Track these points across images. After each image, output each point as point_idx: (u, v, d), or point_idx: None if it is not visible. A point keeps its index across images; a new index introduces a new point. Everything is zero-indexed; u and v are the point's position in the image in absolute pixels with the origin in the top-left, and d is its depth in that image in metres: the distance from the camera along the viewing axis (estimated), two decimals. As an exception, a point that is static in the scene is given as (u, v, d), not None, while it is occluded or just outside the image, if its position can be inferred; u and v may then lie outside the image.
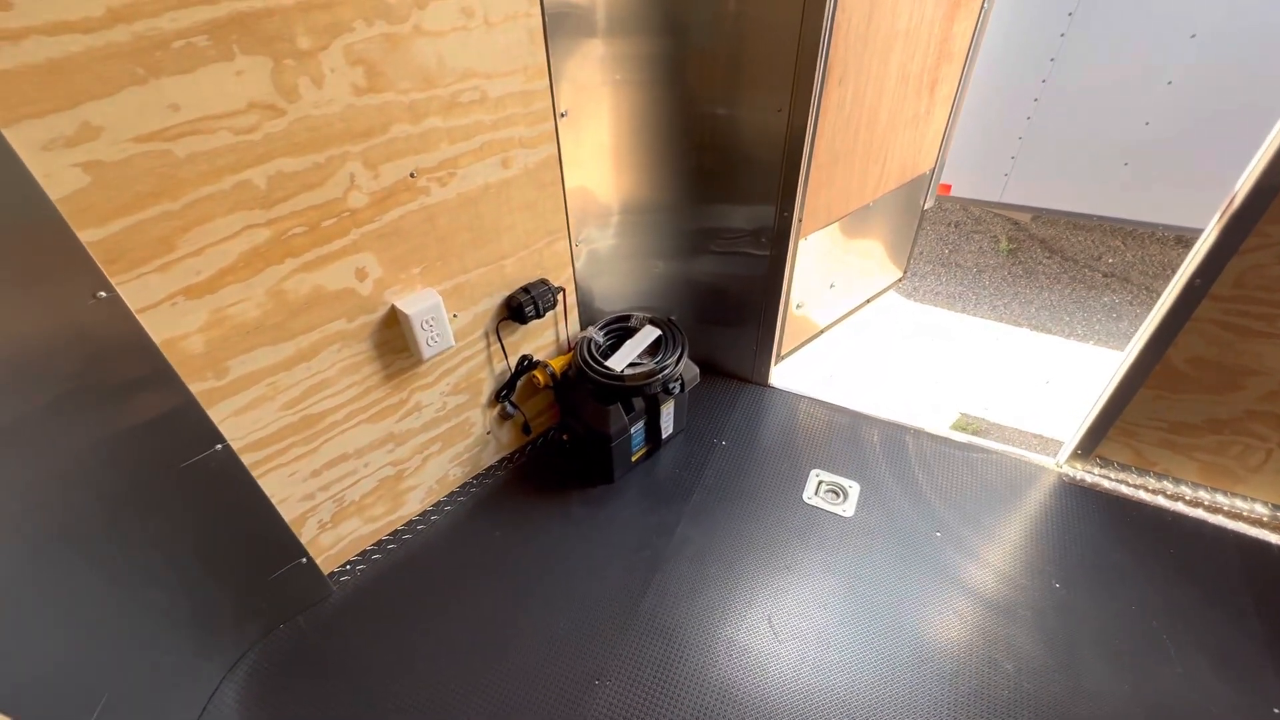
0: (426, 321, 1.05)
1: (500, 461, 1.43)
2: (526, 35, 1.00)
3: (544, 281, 1.24)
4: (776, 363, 1.65)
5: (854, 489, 1.35)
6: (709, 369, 1.66)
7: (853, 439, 1.48)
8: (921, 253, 2.87)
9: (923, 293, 2.62)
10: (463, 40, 0.92)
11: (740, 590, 1.17)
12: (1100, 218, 2.60)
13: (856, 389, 1.85)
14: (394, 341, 1.06)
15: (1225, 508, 1.27)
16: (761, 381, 1.64)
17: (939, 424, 1.53)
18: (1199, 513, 1.27)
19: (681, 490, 1.36)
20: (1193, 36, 2.10)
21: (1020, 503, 1.33)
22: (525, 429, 1.44)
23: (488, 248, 1.12)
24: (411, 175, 0.95)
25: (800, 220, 1.36)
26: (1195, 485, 1.29)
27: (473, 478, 1.38)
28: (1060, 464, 1.39)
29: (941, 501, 1.33)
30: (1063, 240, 2.96)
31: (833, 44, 1.14)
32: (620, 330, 1.37)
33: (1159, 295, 1.13)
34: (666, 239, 1.44)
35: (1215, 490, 1.28)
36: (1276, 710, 0.98)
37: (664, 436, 1.44)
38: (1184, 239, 2.85)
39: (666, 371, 1.26)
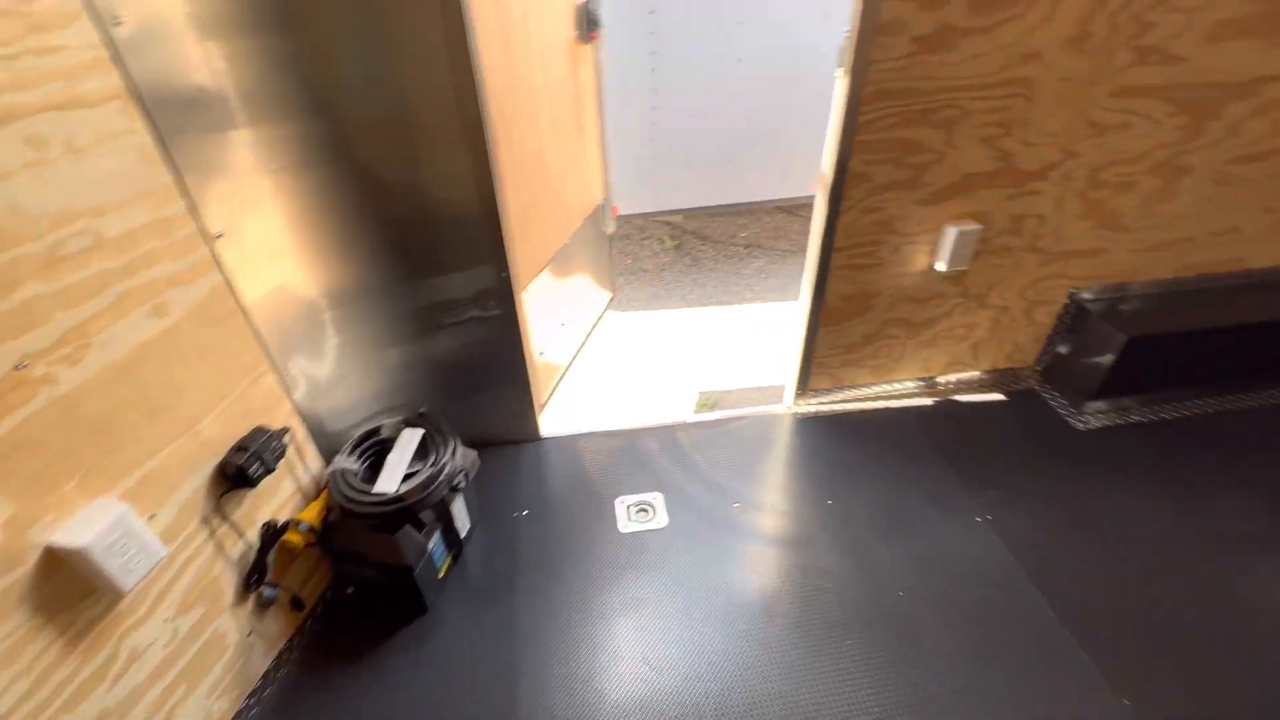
0: (112, 544, 0.77)
1: (277, 660, 1.13)
2: (137, 155, 0.80)
3: (261, 429, 1.02)
4: (541, 414, 1.64)
5: (658, 499, 1.43)
6: (480, 445, 1.57)
7: (637, 456, 1.56)
8: (617, 270, 3.17)
9: (630, 303, 2.90)
10: (42, 177, 0.69)
11: (606, 645, 1.14)
12: (723, 205, 3.23)
13: (618, 409, 1.95)
14: (69, 589, 0.76)
15: (894, 392, 1.69)
16: (534, 437, 1.62)
17: (689, 412, 1.71)
18: (881, 403, 1.67)
19: (504, 581, 1.27)
20: (739, 60, 2.74)
21: (775, 449, 1.57)
22: (296, 605, 1.17)
23: (169, 417, 0.87)
24: (18, 366, 0.69)
25: (516, 274, 1.38)
26: (872, 384, 1.69)
27: (248, 697, 1.07)
28: (790, 406, 1.69)
29: (725, 475, 1.49)
30: (706, 228, 3.57)
31: (489, 104, 1.18)
32: (375, 447, 1.21)
33: (786, 252, 1.44)
34: (391, 325, 1.32)
35: (883, 383, 1.69)
36: (979, 519, 1.34)
37: (463, 536, 1.32)
38: (783, 207, 3.70)
39: (447, 470, 1.16)
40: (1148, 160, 1.34)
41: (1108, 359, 1.52)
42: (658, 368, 2.25)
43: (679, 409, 1.72)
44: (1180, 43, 1.19)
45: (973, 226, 1.37)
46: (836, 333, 1.55)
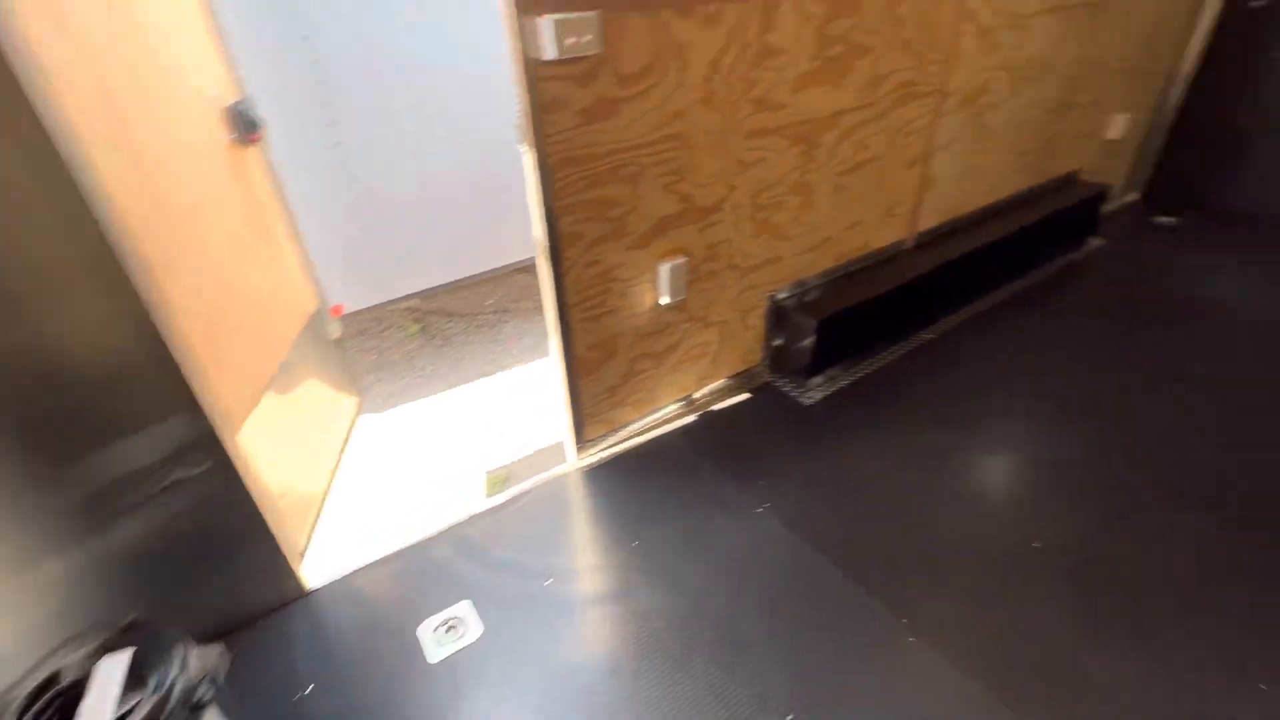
0: None
1: None
2: None
3: None
4: (302, 563, 1.40)
5: (465, 609, 1.31)
6: (230, 630, 1.28)
7: (431, 569, 1.42)
8: (360, 370, 2.89)
9: (385, 401, 2.66)
10: None
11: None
12: (462, 279, 3.19)
13: (399, 523, 1.76)
14: None
15: (661, 419, 1.81)
16: (298, 594, 1.37)
17: (480, 498, 1.62)
18: (653, 432, 1.78)
19: (301, 785, 1.03)
20: (444, 133, 2.74)
21: (571, 510, 1.56)
22: None
23: None
24: None
25: (222, 415, 1.16)
26: (640, 419, 1.79)
27: None
28: (574, 463, 1.70)
29: (529, 555, 1.43)
30: (451, 303, 3.48)
31: (125, 233, 0.98)
32: (57, 701, 0.89)
33: (537, 310, 1.47)
34: (46, 529, 1.00)
35: (650, 414, 1.80)
36: (759, 510, 1.49)
37: (229, 754, 1.04)
38: (525, 268, 3.77)
39: (179, 688, 0.90)
40: (785, 183, 1.66)
41: (809, 342, 1.83)
42: (433, 462, 2.09)
43: (468, 500, 1.62)
44: (778, 93, 1.50)
45: (680, 260, 1.54)
46: (595, 381, 1.60)
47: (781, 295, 1.88)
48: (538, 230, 1.32)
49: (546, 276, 1.37)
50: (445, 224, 2.98)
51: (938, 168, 2.06)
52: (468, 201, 2.99)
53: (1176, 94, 2.94)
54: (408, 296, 3.12)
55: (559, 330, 1.45)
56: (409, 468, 2.04)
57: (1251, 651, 1.15)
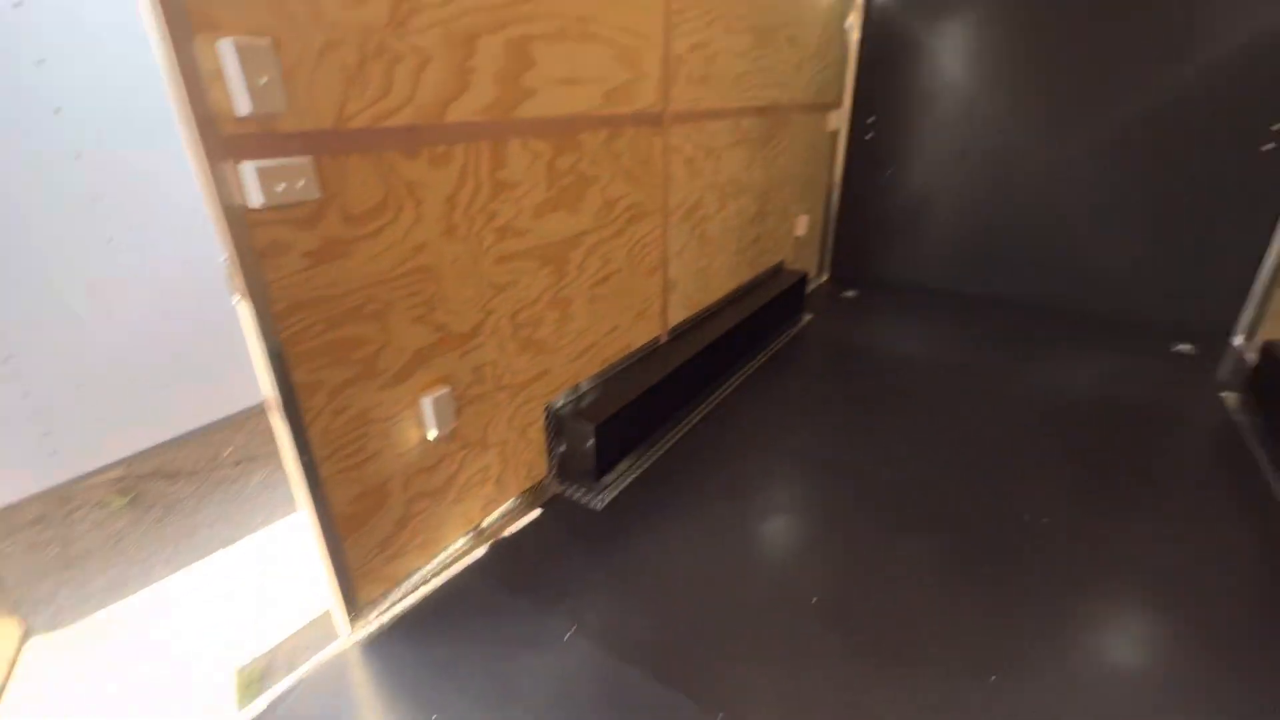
0: None
1: None
2: None
3: None
4: None
5: None
6: None
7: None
8: (38, 575, 2.18)
9: (77, 610, 2.04)
10: None
11: None
12: (186, 433, 2.66)
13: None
14: None
15: (451, 556, 1.66)
16: None
17: (230, 713, 1.29)
18: (444, 575, 1.62)
19: None
20: (121, 282, 2.31)
21: (352, 700, 1.32)
22: None
23: None
24: None
25: None
26: (426, 564, 1.62)
27: None
28: (349, 636, 1.45)
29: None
30: (175, 461, 2.87)
31: None
32: None
33: (273, 456, 1.28)
34: None
35: (437, 556, 1.64)
36: (566, 637, 1.42)
37: None
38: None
39: None
40: (542, 300, 1.72)
41: (590, 445, 1.87)
42: (155, 676, 1.62)
43: (214, 716, 1.27)
44: (521, 220, 1.58)
45: (443, 391, 1.48)
46: (365, 535, 1.42)
47: (558, 404, 1.91)
48: (265, 386, 1.16)
49: (284, 435, 1.20)
50: (158, 367, 2.49)
51: (674, 271, 2.33)
52: (188, 337, 2.56)
53: (835, 199, 3.81)
54: (109, 466, 2.50)
55: (309, 491, 1.27)
56: (115, 695, 1.55)
57: (991, 659, 1.39)
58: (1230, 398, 2.45)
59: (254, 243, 1.06)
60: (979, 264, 3.53)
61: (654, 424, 2.21)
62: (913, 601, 1.52)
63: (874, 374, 2.70)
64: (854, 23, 3.40)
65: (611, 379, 2.11)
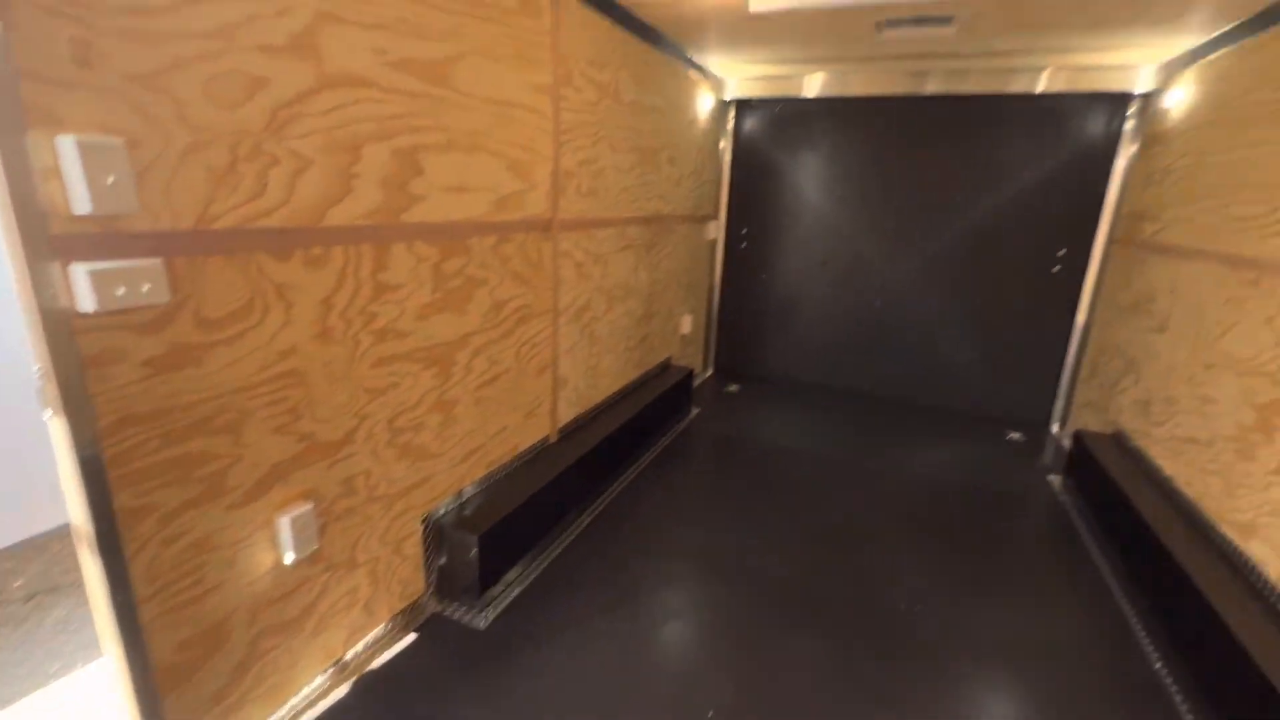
0: None
1: None
2: None
3: None
4: None
5: None
6: None
7: None
8: None
9: None
10: None
11: None
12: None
13: None
14: None
15: (306, 700, 1.43)
16: None
17: None
18: (293, 726, 1.39)
19: None
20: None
21: None
22: None
23: None
24: None
25: None
26: (276, 710, 1.38)
27: None
28: (161, 822, 1.18)
29: None
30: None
31: None
32: None
33: (77, 587, 1.07)
34: None
35: (288, 701, 1.41)
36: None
37: None
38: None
39: None
40: (424, 404, 1.65)
41: (473, 556, 1.75)
42: None
43: None
44: (402, 323, 1.53)
45: (304, 508, 1.33)
46: (192, 688, 1.20)
47: (439, 513, 1.78)
48: (76, 514, 0.99)
49: (95, 571, 1.01)
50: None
51: (564, 370, 2.34)
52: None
53: (716, 300, 4.07)
54: None
55: (122, 638, 1.06)
56: None
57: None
58: (1055, 480, 2.79)
59: (81, 351, 0.93)
60: (844, 360, 3.87)
61: (543, 528, 2.12)
62: (809, 705, 1.50)
63: (758, 466, 2.81)
64: (725, 147, 3.80)
65: (498, 482, 2.02)
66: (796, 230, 3.81)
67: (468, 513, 1.84)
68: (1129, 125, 3.00)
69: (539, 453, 2.25)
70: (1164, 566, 1.80)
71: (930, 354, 3.66)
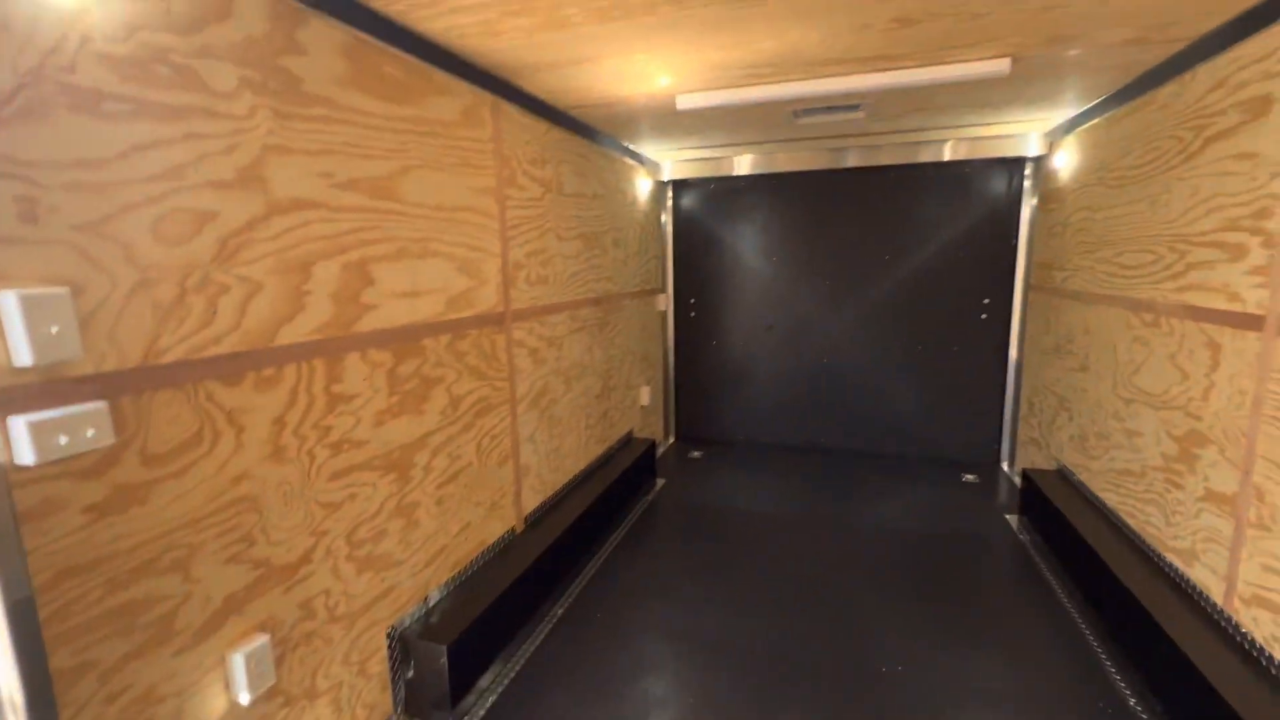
0: None
1: None
2: None
3: None
4: None
5: None
6: None
7: None
8: None
9: None
10: None
11: None
12: None
13: None
14: None
15: None
16: None
17: None
18: None
19: None
20: None
21: None
22: None
23: None
24: None
25: None
26: None
27: None
28: None
29: None
30: None
31: None
32: None
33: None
34: None
35: None
36: None
37: None
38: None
39: None
40: (385, 511, 1.61)
41: (442, 666, 1.67)
42: None
43: None
44: (359, 432, 1.52)
45: (260, 641, 1.26)
46: None
47: (404, 624, 1.71)
48: (5, 683, 0.91)
49: (29, 746, 0.93)
50: None
51: (526, 457, 2.33)
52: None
53: (671, 369, 4.15)
54: None
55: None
56: None
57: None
58: (1013, 519, 2.88)
59: (15, 506, 0.89)
60: (800, 418, 3.97)
61: (515, 626, 2.05)
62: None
63: (728, 534, 2.80)
64: (667, 223, 3.99)
65: (466, 583, 1.96)
66: (741, 296, 3.97)
67: (435, 620, 1.77)
68: (1027, 184, 3.32)
69: (506, 546, 2.20)
70: (1123, 600, 1.87)
71: (881, 404, 3.80)
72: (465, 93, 1.88)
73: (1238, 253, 1.62)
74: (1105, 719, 1.64)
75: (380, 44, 1.54)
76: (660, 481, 3.47)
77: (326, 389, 1.42)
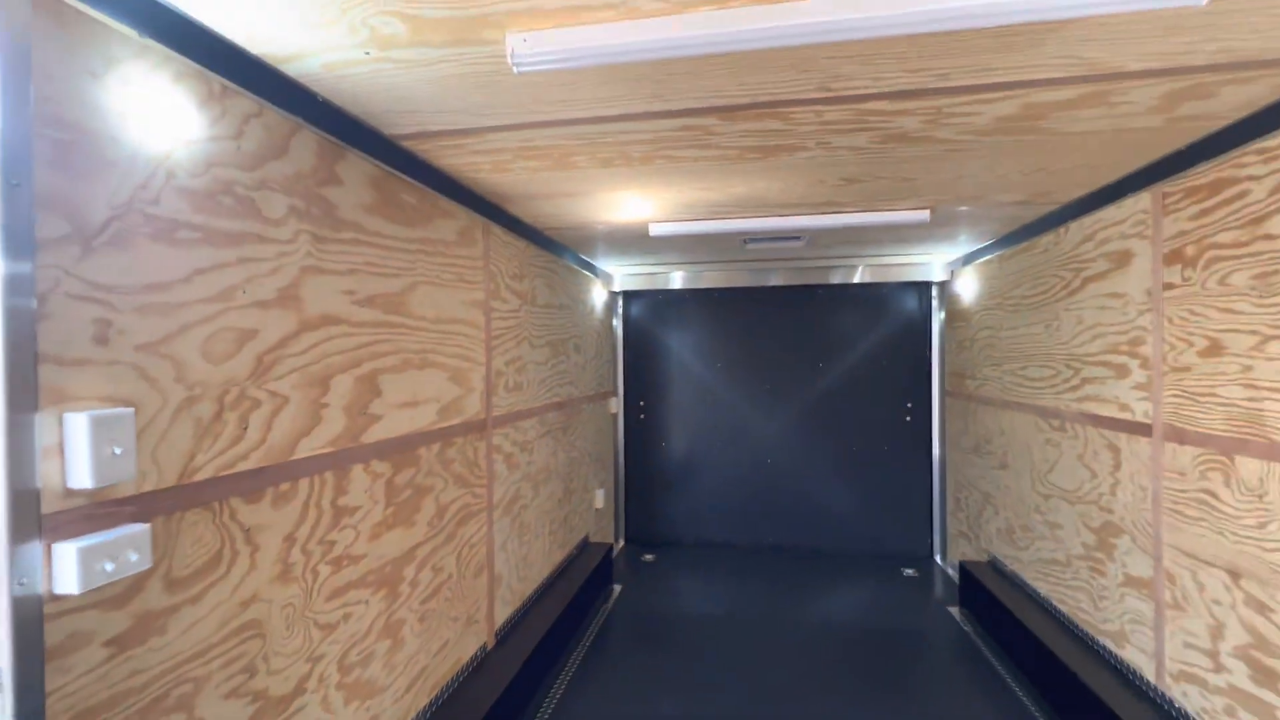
0: None
1: None
2: None
3: None
4: None
5: None
6: None
7: None
8: None
9: None
10: None
11: None
12: None
13: None
14: None
15: None
16: None
17: None
18: None
19: None
20: None
21: None
22: None
23: None
24: None
25: None
26: None
27: None
28: None
29: None
30: None
31: None
32: None
33: None
34: None
35: None
36: None
37: None
38: None
39: None
40: (374, 631, 1.54)
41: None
42: None
43: None
44: (357, 546, 1.48)
45: (255, 787, 1.15)
46: None
47: (381, 761, 1.58)
48: None
49: None
50: None
51: (499, 566, 2.28)
52: None
53: (621, 471, 4.21)
54: None
55: None
56: None
57: None
58: (955, 611, 3.06)
59: (49, 640, 0.84)
60: (747, 517, 4.09)
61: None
62: None
63: (687, 641, 2.78)
64: (619, 328, 4.20)
65: (442, 707, 1.84)
66: (687, 400, 4.16)
67: (415, 754, 1.64)
68: (934, 304, 3.82)
69: (479, 664, 2.10)
70: (1067, 683, 2.03)
71: (821, 503, 4.00)
72: (463, 215, 2.03)
73: (1122, 371, 1.98)
74: (1073, 805, 1.74)
75: (401, 176, 1.67)
76: (617, 588, 3.42)
77: (334, 502, 1.40)
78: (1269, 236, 1.43)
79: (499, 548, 2.28)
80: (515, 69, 1.10)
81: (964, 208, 2.32)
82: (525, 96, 1.36)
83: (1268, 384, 1.43)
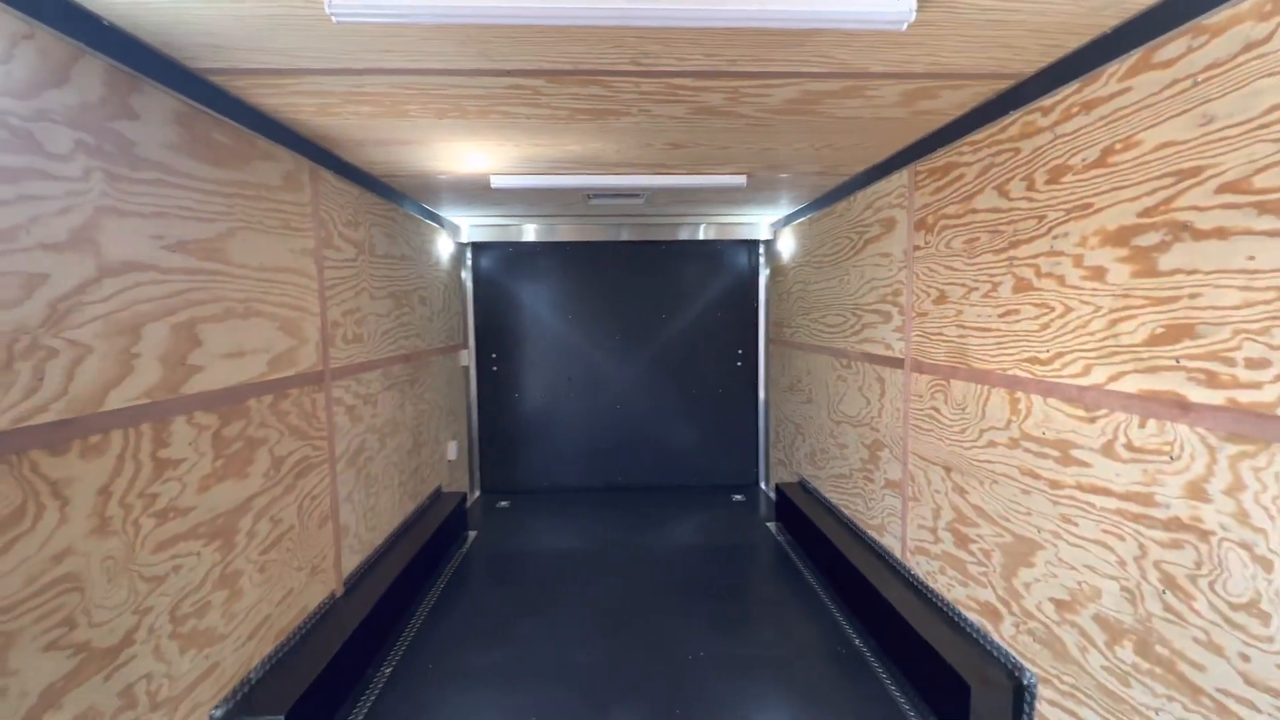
0: None
1: None
2: None
3: None
4: None
5: None
6: None
7: None
8: None
9: None
10: None
11: None
12: None
13: None
14: None
15: None
16: None
17: None
18: None
19: None
20: None
21: None
22: None
23: None
24: None
25: None
26: None
27: None
28: None
29: None
30: None
31: None
32: None
33: None
34: None
35: None
36: None
37: None
38: None
39: None
40: (209, 582, 1.54)
41: (277, 744, 1.60)
42: None
43: None
44: (185, 498, 1.46)
45: (84, 733, 1.15)
46: None
47: (228, 706, 1.60)
48: None
49: None
50: None
51: (345, 517, 2.29)
52: None
53: (475, 422, 4.26)
54: None
55: None
56: None
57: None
58: (772, 526, 3.59)
59: None
60: (597, 461, 4.37)
61: (343, 694, 1.99)
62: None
63: (541, 574, 3.01)
64: (468, 280, 4.17)
65: (290, 653, 1.87)
66: (539, 351, 4.29)
67: (260, 697, 1.68)
68: (761, 260, 4.26)
69: (327, 611, 2.13)
70: (846, 570, 2.54)
71: (664, 442, 4.38)
72: (287, 158, 1.94)
73: (887, 317, 2.44)
74: (841, 659, 2.23)
75: (211, 113, 1.57)
76: (472, 533, 3.54)
77: (154, 454, 1.37)
78: (975, 210, 1.85)
79: (344, 499, 2.29)
80: (334, 19, 1.12)
81: (781, 175, 2.64)
82: (349, 44, 1.36)
83: (972, 325, 1.89)
